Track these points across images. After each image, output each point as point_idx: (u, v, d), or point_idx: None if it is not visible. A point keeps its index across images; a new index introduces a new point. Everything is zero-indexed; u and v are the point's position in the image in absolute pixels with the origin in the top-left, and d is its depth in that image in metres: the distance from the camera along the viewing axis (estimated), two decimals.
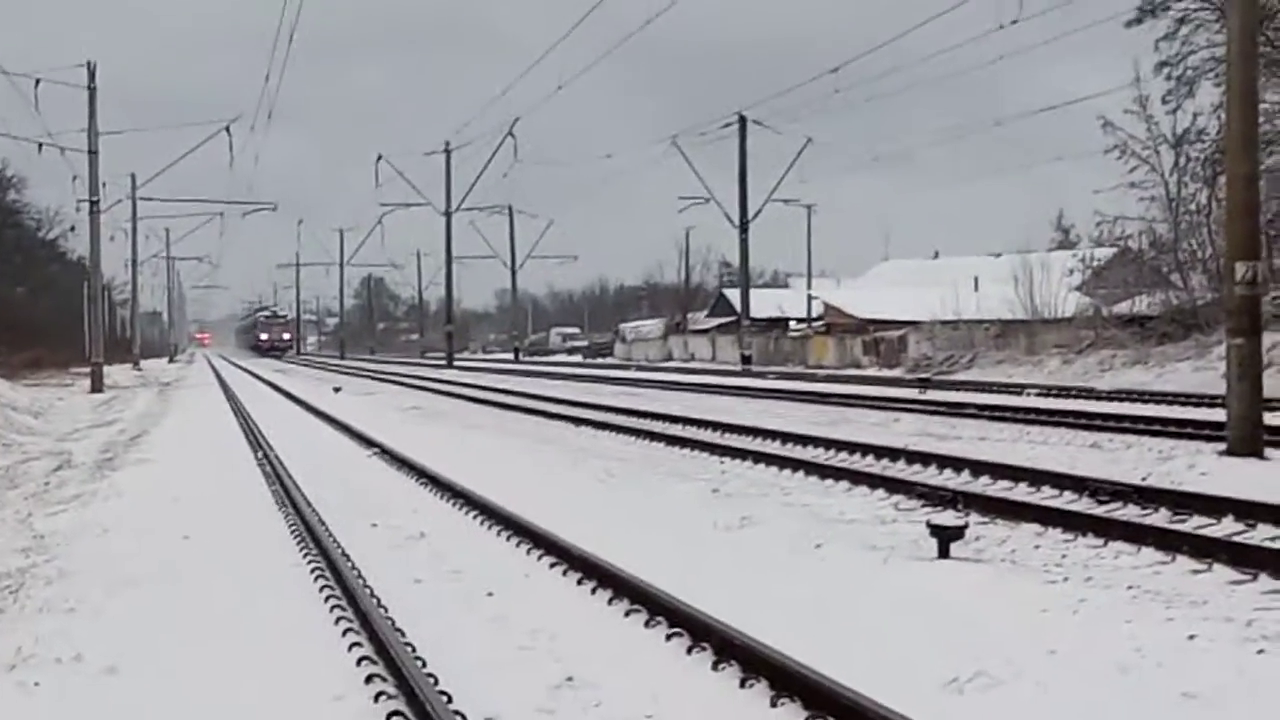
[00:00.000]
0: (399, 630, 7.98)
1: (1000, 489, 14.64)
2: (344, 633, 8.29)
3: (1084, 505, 13.09)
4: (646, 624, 8.54)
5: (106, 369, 52.63)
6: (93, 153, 49.66)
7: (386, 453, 20.25)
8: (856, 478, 15.85)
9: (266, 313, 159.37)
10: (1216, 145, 37.05)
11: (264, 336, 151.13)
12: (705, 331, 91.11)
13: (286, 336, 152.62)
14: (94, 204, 50.95)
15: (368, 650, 7.78)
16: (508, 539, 12.16)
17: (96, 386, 48.37)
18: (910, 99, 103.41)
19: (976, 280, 66.77)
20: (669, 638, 8.16)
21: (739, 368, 61.22)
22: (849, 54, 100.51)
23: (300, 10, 42.35)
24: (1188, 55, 40.99)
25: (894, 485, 14.94)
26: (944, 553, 10.66)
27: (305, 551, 11.45)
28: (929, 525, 10.96)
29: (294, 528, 12.83)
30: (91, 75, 48.90)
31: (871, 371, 54.08)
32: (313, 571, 10.44)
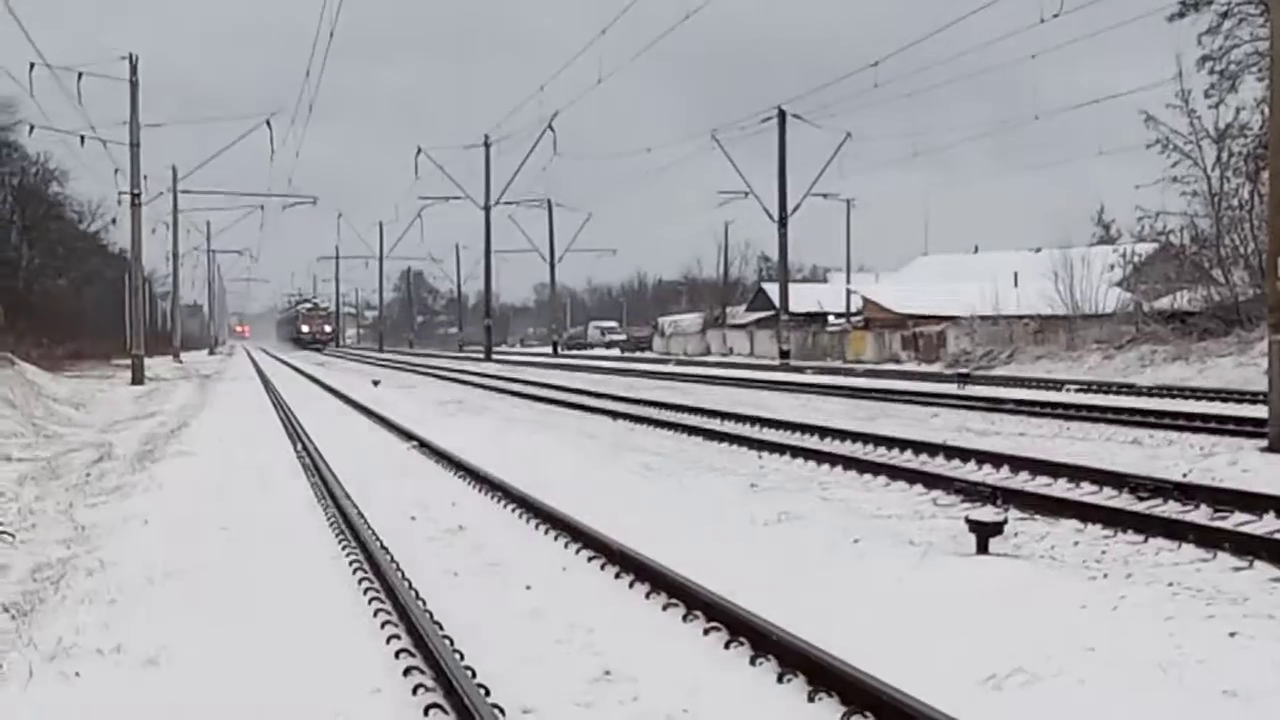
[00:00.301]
0: (437, 623, 8.00)
1: (1039, 485, 14.59)
2: (382, 625, 8.31)
3: (1124, 502, 13.03)
4: (684, 618, 8.54)
5: (147, 361, 52.87)
6: (134, 146, 49.86)
7: (425, 446, 20.30)
8: (895, 473, 15.82)
9: (307, 305, 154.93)
10: (1259, 140, 36.85)
11: (305, 329, 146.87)
12: (744, 326, 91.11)
13: (328, 329, 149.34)
14: (135, 197, 51.14)
15: (406, 643, 7.80)
16: (545, 532, 12.19)
17: (137, 379, 48.58)
18: (950, 94, 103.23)
19: (1016, 275, 66.48)
20: (706, 632, 8.16)
21: (777, 362, 61.15)
22: (888, 49, 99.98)
23: (340, 7, 42.14)
24: (1231, 49, 40.82)
25: (932, 480, 14.90)
26: (983, 548, 10.63)
27: (344, 544, 11.49)
28: (968, 521, 10.92)
29: (332, 520, 12.87)
30: (133, 69, 49.10)
31: (910, 366, 54.02)
32: (351, 564, 10.48)
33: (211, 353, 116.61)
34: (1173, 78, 42.27)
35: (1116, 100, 68.07)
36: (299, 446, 20.54)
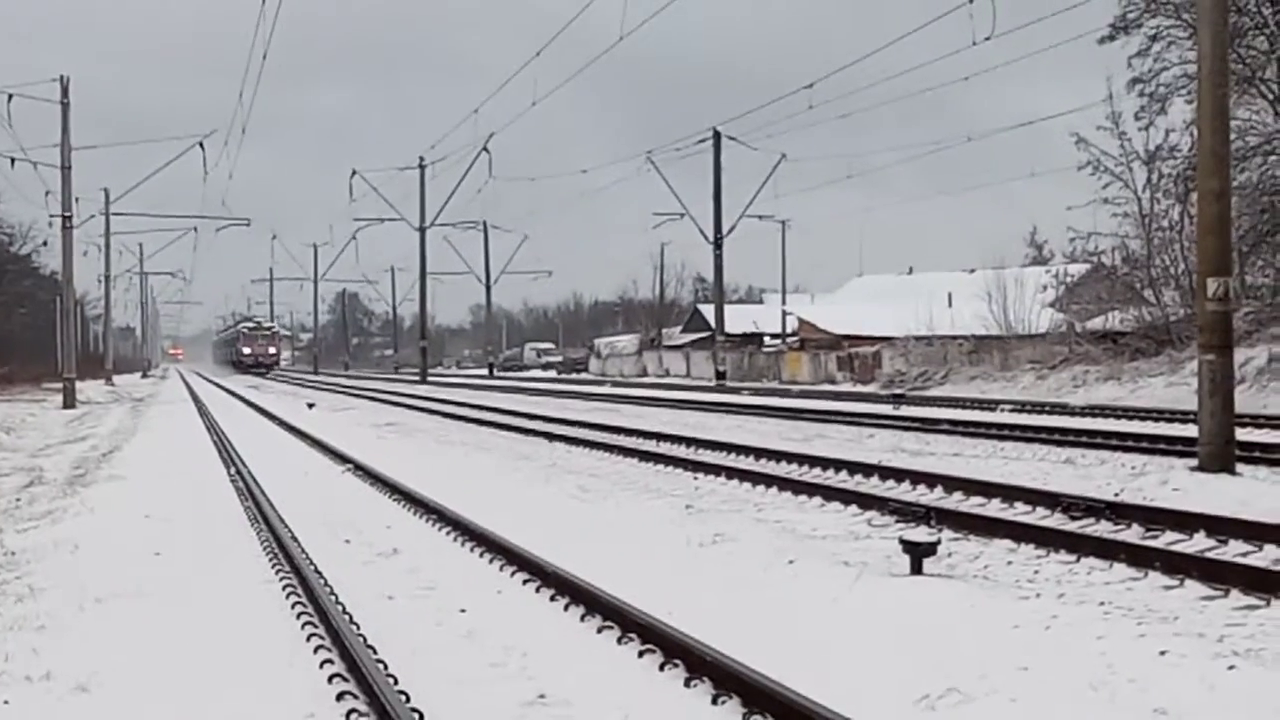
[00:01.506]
0: (371, 647, 7.95)
1: (973, 505, 14.66)
2: (315, 649, 8.26)
3: (1057, 521, 13.12)
4: (619, 641, 8.53)
5: (79, 384, 52.40)
6: (66, 168, 49.42)
7: (360, 469, 20.20)
8: (830, 493, 15.87)
9: (250, 324, 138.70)
10: (1188, 162, 37.23)
11: (247, 351, 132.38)
12: (680, 347, 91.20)
13: (272, 351, 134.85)
14: (67, 219, 50.71)
15: (339, 667, 7.76)
16: (481, 555, 12.15)
17: (69, 402, 48.14)
18: (884, 115, 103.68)
19: (950, 296, 67.01)
20: (641, 654, 8.15)
21: (713, 383, 61.28)
22: (823, 71, 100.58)
23: (274, 29, 42.04)
24: (1160, 72, 41.30)
25: (867, 501, 14.96)
26: (917, 569, 10.67)
27: (278, 568, 11.42)
28: (902, 541, 10.97)
29: (266, 544, 12.79)
30: (65, 90, 48.68)
31: (846, 387, 54.18)
32: (285, 588, 10.41)
33: (145, 375, 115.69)
34: (1103, 100, 42.77)
35: (1050, 122, 68.73)
36: (232, 470, 20.40)
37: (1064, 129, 43.87)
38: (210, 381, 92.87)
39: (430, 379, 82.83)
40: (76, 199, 51.69)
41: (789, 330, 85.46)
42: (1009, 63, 53.06)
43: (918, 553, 10.72)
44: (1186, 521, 12.38)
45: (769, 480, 17.43)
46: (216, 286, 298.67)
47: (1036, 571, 10.93)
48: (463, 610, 9.65)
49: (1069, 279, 52.78)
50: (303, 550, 11.82)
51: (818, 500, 15.66)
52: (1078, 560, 11.22)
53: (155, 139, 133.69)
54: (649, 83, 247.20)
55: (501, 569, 11.37)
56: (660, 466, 20.45)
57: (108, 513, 15.75)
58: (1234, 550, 11.40)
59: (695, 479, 18.59)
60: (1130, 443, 21.10)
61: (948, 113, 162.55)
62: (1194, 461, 17.61)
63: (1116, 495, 14.70)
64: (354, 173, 77.14)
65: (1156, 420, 27.31)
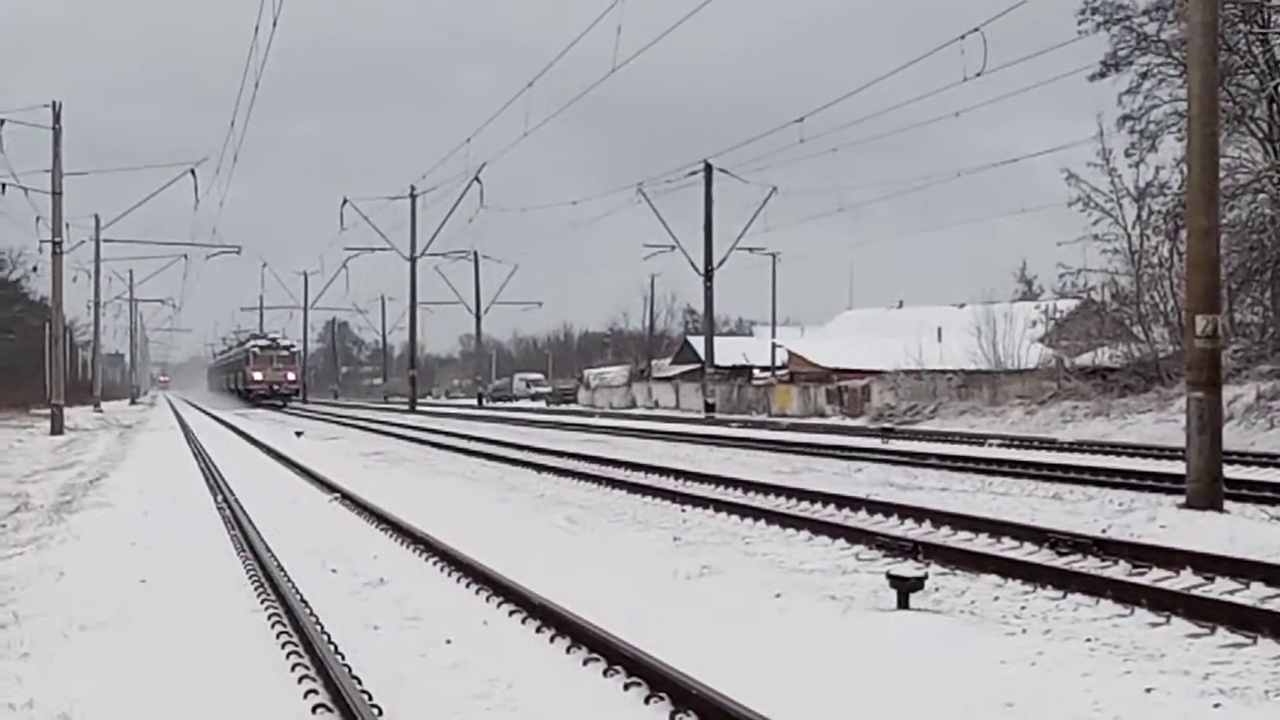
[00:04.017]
0: (355, 677, 7.93)
1: (961, 540, 14.67)
2: (300, 679, 8.23)
3: (1044, 557, 13.13)
4: (605, 673, 8.51)
5: (67, 411, 52.33)
6: (56, 194, 49.45)
7: (348, 498, 20.17)
8: (818, 527, 15.87)
9: (262, 342, 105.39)
10: (1178, 199, 37.32)
11: (258, 377, 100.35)
12: (669, 379, 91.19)
13: (292, 377, 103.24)
14: (57, 245, 50.70)
15: (324, 697, 7.74)
16: (468, 585, 12.12)
17: (57, 428, 48.06)
18: (875, 149, 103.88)
19: (940, 330, 66.98)
20: (627, 687, 8.14)
21: (703, 415, 61.24)
22: (815, 105, 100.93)
23: (266, 58, 42.10)
24: (1150, 109, 41.40)
25: (855, 535, 14.97)
26: (903, 603, 10.67)
27: (263, 597, 11.40)
28: (889, 576, 10.97)
29: (252, 573, 12.76)
30: (56, 116, 48.72)
31: (835, 420, 54.19)
32: (270, 617, 10.38)
33: (133, 402, 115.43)
34: (1094, 137, 42.90)
35: (1040, 158, 69.02)
36: (219, 498, 20.35)
37: (1053, 165, 43.99)
38: (198, 409, 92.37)
39: (419, 408, 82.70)
40: (67, 225, 51.81)
41: (779, 363, 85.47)
42: (1000, 99, 53.14)
43: (904, 588, 10.72)
44: (1173, 558, 12.40)
45: (757, 513, 17.43)
46: (206, 314, 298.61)
47: (1023, 607, 10.93)
48: (449, 641, 9.62)
49: (1058, 314, 52.90)
50: (289, 579, 11.79)
51: (805, 534, 15.66)
52: (1064, 596, 11.22)
53: (148, 165, 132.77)
54: (639, 115, 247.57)
55: (488, 600, 11.35)
56: (649, 499, 20.44)
57: (94, 540, 15.71)
58: (1221, 588, 11.41)
59: (683, 511, 18.57)
60: (1118, 479, 21.12)
61: (939, 147, 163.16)
62: (1182, 498, 17.64)
63: (1104, 531, 14.71)
64: (345, 201, 77.15)
65: (1145, 457, 27.32)
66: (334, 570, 13.11)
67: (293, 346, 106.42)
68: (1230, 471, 18.90)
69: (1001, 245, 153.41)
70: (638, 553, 14.46)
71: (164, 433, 49.31)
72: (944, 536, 15.04)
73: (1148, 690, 7.91)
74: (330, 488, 22.04)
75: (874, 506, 17.59)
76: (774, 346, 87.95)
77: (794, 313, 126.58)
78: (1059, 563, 12.68)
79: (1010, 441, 33.70)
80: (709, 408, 63.25)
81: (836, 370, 69.61)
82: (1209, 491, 17.36)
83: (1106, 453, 28.94)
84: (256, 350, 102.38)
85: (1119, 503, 18.27)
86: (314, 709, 7.54)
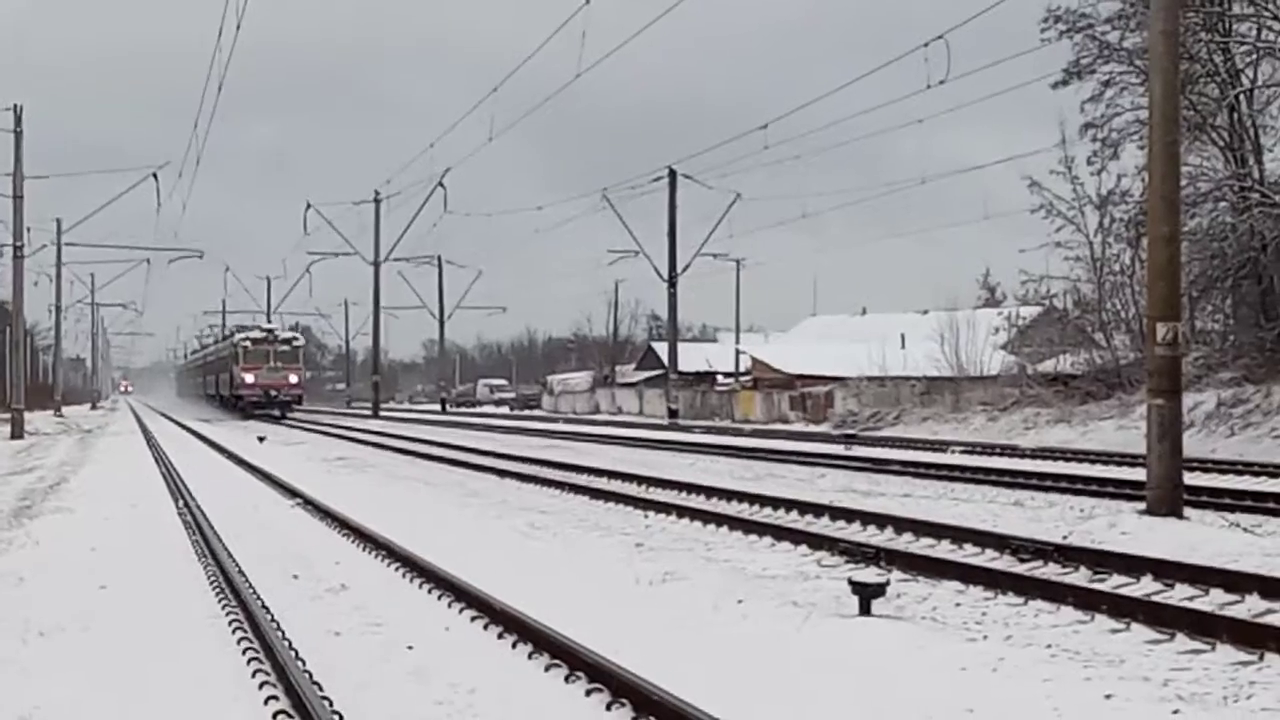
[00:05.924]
0: (316, 683, 7.90)
1: (923, 546, 14.71)
2: (260, 685, 8.20)
3: (1005, 563, 13.18)
4: (566, 679, 8.50)
5: (27, 415, 51.99)
6: (18, 197, 49.17)
7: (310, 504, 20.10)
8: (780, 533, 15.88)
9: (254, 335, 78.54)
10: (1140, 207, 37.45)
11: (249, 380, 75.19)
12: (633, 384, 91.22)
13: (294, 379, 77.08)
14: (18, 249, 50.41)
15: (284, 704, 7.71)
16: (430, 591, 12.10)
17: (16, 433, 47.78)
18: (838, 156, 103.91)
19: (903, 337, 67.29)
20: (589, 693, 8.13)
21: (666, 421, 61.22)
22: (779, 112, 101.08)
23: (229, 62, 41.80)
24: (1113, 118, 41.49)
25: (817, 541, 14.98)
26: (865, 610, 10.68)
27: (224, 602, 11.35)
28: (851, 582, 10.98)
29: (213, 578, 12.70)
30: (18, 119, 48.45)
31: (798, 427, 54.26)
32: (231, 623, 10.34)
33: (94, 407, 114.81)
34: (1056, 145, 43.06)
35: (1003, 165, 69.24)
36: (180, 503, 20.26)
37: (1017, 173, 44.16)
38: (161, 414, 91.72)
39: (383, 414, 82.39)
40: (28, 228, 51.47)
41: (742, 369, 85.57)
42: (962, 106, 53.29)
43: (866, 594, 10.74)
44: (1134, 565, 12.46)
45: (720, 519, 17.43)
46: (169, 318, 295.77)
47: (984, 613, 10.96)
48: (410, 647, 9.60)
49: (1021, 321, 53.06)
50: (250, 585, 11.73)
51: (768, 540, 15.68)
52: (1026, 603, 11.25)
53: (110, 170, 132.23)
54: (604, 121, 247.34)
55: (450, 605, 11.33)
56: (611, 504, 20.43)
57: (54, 545, 15.62)
58: (1180, 594, 11.47)
59: (646, 517, 18.57)
60: (1079, 485, 21.22)
61: (900, 156, 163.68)
62: (1142, 505, 17.69)
63: (1065, 538, 14.75)
64: (309, 206, 76.48)
65: (1106, 463, 27.41)
66: (295, 576, 13.07)
67: (295, 340, 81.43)
68: (1190, 478, 18.97)
69: (964, 252, 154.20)
70: (600, 559, 14.46)
71: (125, 437, 49.08)
72: (906, 543, 15.08)
73: (1107, 696, 7.95)
74: (292, 493, 21.95)
75: (836, 513, 17.63)
76: (738, 353, 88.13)
77: (758, 319, 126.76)
78: (1020, 569, 12.73)
79: (972, 448, 33.81)
80: (672, 414, 63.24)
81: (800, 376, 69.73)
82: (1169, 498, 17.42)
83: (1068, 459, 29.01)
84: (248, 345, 76.64)
85: (1080, 509, 18.34)
86: (274, 715, 7.51)
